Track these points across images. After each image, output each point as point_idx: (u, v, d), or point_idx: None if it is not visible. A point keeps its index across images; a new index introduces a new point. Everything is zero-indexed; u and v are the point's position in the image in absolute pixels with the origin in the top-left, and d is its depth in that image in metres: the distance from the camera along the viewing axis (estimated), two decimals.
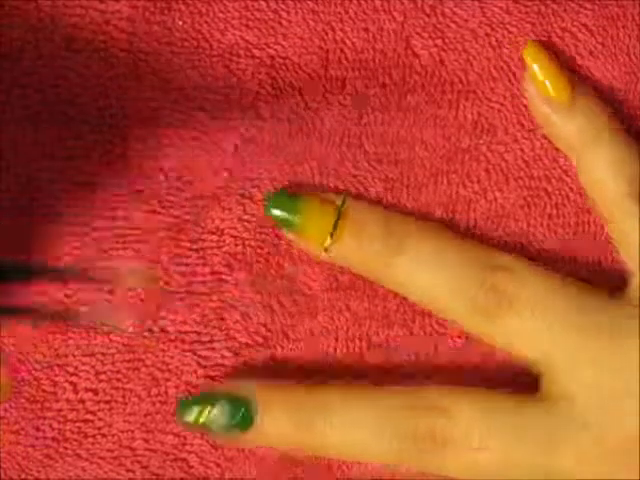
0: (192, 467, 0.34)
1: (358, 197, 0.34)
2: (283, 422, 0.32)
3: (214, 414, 0.32)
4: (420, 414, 0.32)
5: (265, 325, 0.34)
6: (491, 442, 0.32)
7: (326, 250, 0.33)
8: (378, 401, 0.33)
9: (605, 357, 0.32)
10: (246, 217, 0.34)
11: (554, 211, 0.35)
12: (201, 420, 0.32)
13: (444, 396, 0.33)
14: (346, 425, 0.32)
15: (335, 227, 0.33)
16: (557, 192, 0.35)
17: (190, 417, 0.33)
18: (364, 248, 0.33)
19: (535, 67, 0.34)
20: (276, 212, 0.33)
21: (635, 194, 0.33)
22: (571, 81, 0.34)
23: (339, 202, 0.33)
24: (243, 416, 0.32)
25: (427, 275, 0.33)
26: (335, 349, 0.34)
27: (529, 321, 0.33)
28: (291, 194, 0.33)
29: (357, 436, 0.32)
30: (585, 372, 0.32)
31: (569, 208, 0.35)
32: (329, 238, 0.33)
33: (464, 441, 0.32)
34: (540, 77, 0.34)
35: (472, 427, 0.32)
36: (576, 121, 0.34)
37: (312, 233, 0.33)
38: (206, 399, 0.33)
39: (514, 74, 0.35)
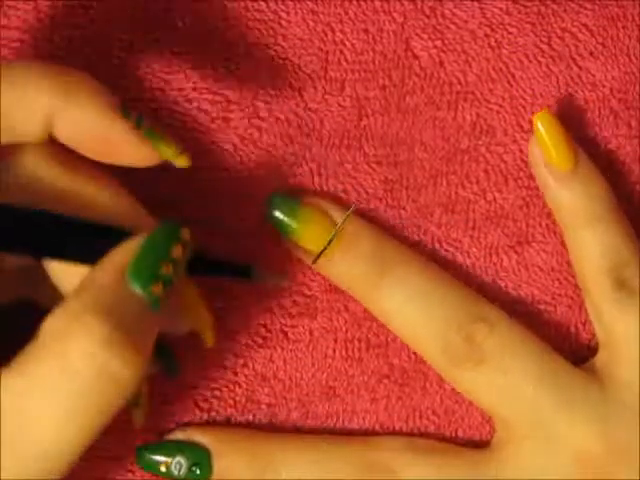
0: None
1: (357, 208, 0.34)
2: (239, 472, 0.32)
3: (174, 465, 0.32)
4: (365, 470, 0.32)
5: (265, 326, 0.34)
6: None
7: (317, 262, 0.33)
8: (326, 457, 0.32)
9: (558, 430, 0.32)
10: (247, 216, 0.34)
11: None
12: (161, 470, 0.33)
13: (394, 456, 0.32)
14: (295, 478, 0.32)
15: (330, 242, 0.33)
16: None
17: (149, 466, 0.33)
18: (349, 267, 0.33)
19: (543, 131, 0.33)
20: (275, 214, 0.33)
21: (617, 278, 0.33)
22: (576, 154, 0.33)
23: (339, 217, 0.33)
24: (201, 471, 0.32)
25: (407, 306, 0.33)
26: (334, 350, 0.34)
27: (495, 379, 0.32)
28: (294, 199, 0.33)
29: None
30: (538, 438, 0.32)
31: None
32: (322, 251, 0.33)
33: None
34: (546, 142, 0.33)
35: None
36: (573, 195, 0.33)
37: (306, 242, 0.33)
38: (166, 449, 0.33)
39: (513, 75, 0.35)
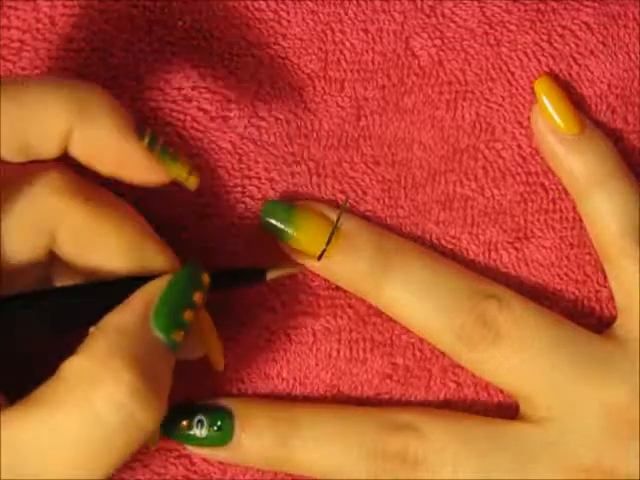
0: (195, 464, 0.33)
1: (354, 208, 0.33)
2: (261, 436, 0.31)
3: (195, 422, 0.31)
4: (391, 433, 0.31)
5: (268, 327, 0.33)
6: (465, 463, 0.31)
7: (319, 264, 0.32)
8: (349, 419, 0.32)
9: (583, 394, 0.31)
10: (247, 214, 0.33)
11: (551, 206, 0.34)
12: (180, 433, 0.32)
13: (417, 417, 0.32)
14: (316, 442, 0.31)
15: (328, 242, 0.32)
16: (554, 187, 0.34)
17: (169, 430, 0.32)
18: (352, 266, 0.32)
19: (545, 100, 0.33)
20: (271, 221, 0.32)
21: (634, 236, 0.32)
22: (580, 118, 0.33)
23: (334, 218, 0.32)
24: (222, 430, 0.31)
25: (414, 298, 0.32)
26: (338, 351, 0.33)
27: (512, 356, 0.31)
28: (288, 205, 0.32)
29: (327, 453, 0.31)
30: (562, 407, 0.31)
31: (566, 203, 0.34)
32: (323, 251, 0.32)
33: (437, 461, 0.31)
34: (550, 110, 0.33)
35: (445, 447, 0.31)
36: (582, 157, 0.33)
37: (305, 246, 0.32)
38: (186, 413, 0.32)
39: (512, 74, 0.34)
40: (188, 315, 0.27)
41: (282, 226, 0.32)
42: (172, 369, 0.27)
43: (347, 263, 0.32)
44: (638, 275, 0.32)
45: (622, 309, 0.33)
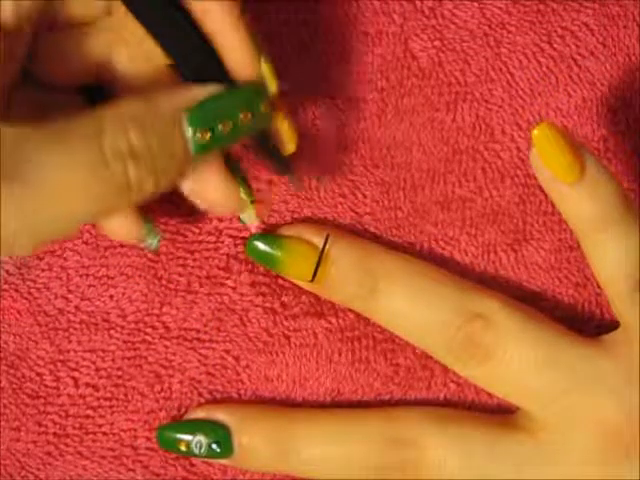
0: (194, 466, 0.33)
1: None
2: (260, 450, 0.32)
3: (194, 444, 0.32)
4: (389, 446, 0.31)
5: (267, 330, 0.33)
6: (462, 471, 0.31)
7: (310, 285, 0.32)
8: (349, 433, 0.32)
9: (576, 409, 0.31)
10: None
11: (550, 208, 0.34)
12: (181, 449, 0.32)
13: (414, 427, 0.31)
14: (315, 457, 0.31)
15: (316, 268, 0.31)
16: None
17: (170, 445, 0.32)
18: (340, 290, 0.32)
19: (541, 150, 0.30)
20: (259, 247, 0.32)
21: (638, 281, 0.31)
22: (581, 162, 0.30)
23: (320, 244, 0.32)
24: (221, 447, 0.32)
25: (404, 315, 0.32)
26: (340, 353, 0.33)
27: (503, 373, 0.31)
28: (274, 237, 0.32)
29: (326, 467, 0.31)
30: (557, 420, 0.31)
31: None
32: (310, 277, 0.32)
33: (436, 471, 0.31)
34: (546, 159, 0.30)
35: (443, 458, 0.31)
36: (583, 201, 0.31)
37: (294, 271, 0.32)
38: (186, 428, 0.32)
39: (512, 75, 0.34)
40: (225, 126, 0.27)
41: (270, 251, 0.32)
42: (184, 171, 0.27)
43: (335, 287, 0.32)
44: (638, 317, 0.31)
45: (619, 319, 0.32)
